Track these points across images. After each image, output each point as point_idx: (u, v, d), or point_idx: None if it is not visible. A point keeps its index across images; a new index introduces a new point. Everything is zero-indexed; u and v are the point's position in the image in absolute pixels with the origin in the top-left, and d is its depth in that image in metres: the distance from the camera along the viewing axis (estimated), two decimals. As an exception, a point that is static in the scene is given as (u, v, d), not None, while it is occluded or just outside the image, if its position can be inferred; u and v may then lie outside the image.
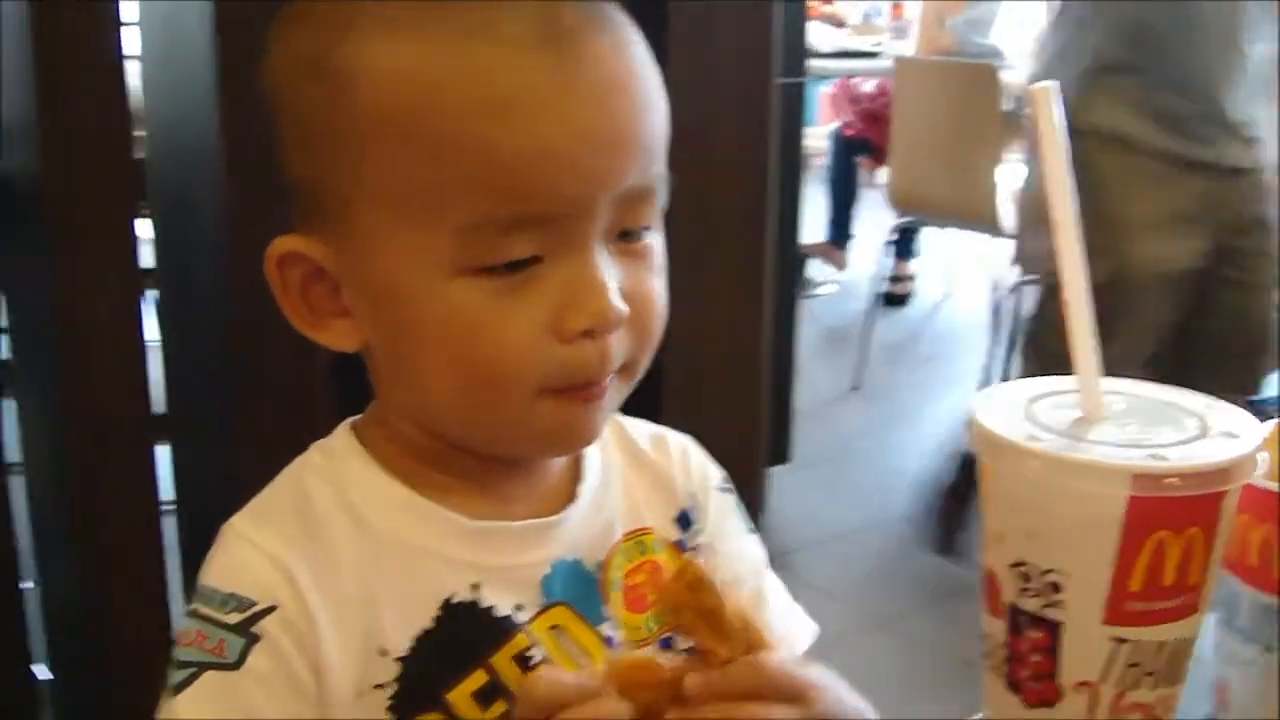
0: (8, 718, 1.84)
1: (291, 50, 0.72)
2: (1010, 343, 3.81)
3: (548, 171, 0.66)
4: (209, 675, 0.69)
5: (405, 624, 0.72)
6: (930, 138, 4.11)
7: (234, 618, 0.70)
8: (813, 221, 5.64)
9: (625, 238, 0.71)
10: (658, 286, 0.74)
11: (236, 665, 0.69)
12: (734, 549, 0.86)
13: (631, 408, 0.89)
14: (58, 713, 1.92)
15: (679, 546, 0.83)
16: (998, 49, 5.21)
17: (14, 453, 1.87)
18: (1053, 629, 0.66)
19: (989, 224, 3.90)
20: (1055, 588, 0.65)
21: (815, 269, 5.70)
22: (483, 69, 0.66)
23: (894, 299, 5.41)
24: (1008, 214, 3.69)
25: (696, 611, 0.65)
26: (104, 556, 1.70)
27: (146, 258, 1.86)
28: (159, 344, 1.87)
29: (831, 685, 0.69)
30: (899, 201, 4.25)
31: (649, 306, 0.73)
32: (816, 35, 5.46)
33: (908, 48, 5.48)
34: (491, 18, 0.67)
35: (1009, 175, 3.78)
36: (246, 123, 0.81)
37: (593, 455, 0.82)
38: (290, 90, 0.72)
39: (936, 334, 5.25)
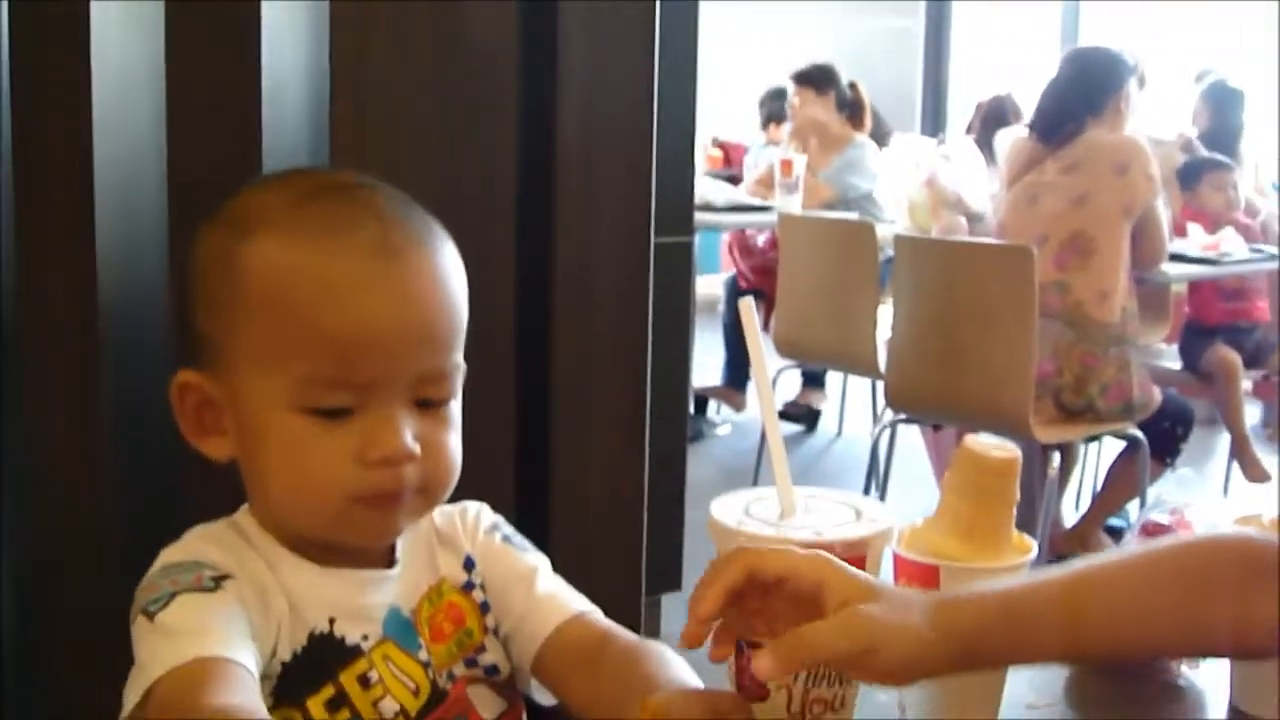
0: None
1: (207, 245, 1.00)
2: (885, 473, 4.13)
3: (363, 349, 0.94)
4: (184, 596, 0.91)
5: (288, 641, 0.97)
6: (813, 288, 4.39)
7: (205, 572, 0.94)
8: (712, 365, 5.97)
9: (425, 404, 0.98)
10: (448, 439, 0.99)
11: (213, 590, 0.92)
12: (507, 568, 1.09)
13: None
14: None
15: (468, 586, 1.07)
16: (872, 194, 5.58)
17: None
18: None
19: (868, 367, 4.22)
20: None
21: (715, 410, 5.99)
22: (325, 267, 0.94)
23: (793, 416, 5.72)
24: (883, 358, 4.01)
25: None
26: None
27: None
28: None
29: None
30: (784, 348, 4.57)
31: (437, 452, 0.98)
32: (713, 190, 5.79)
33: (798, 202, 5.83)
34: (340, 230, 0.95)
35: (884, 322, 4.09)
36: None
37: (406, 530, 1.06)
38: (204, 274, 1.00)
39: (826, 470, 5.54)
